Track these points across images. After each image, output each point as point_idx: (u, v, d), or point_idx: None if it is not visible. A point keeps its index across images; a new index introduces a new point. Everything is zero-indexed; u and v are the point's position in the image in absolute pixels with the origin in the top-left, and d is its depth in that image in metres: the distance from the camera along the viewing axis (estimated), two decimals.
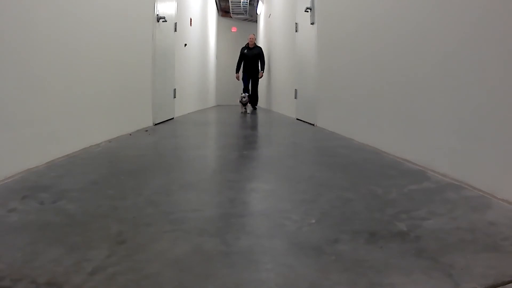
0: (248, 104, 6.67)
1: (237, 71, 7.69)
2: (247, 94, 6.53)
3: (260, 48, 7.75)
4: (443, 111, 1.48)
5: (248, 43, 7.57)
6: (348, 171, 1.58)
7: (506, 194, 1.11)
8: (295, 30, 4.67)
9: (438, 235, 0.86)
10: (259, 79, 7.71)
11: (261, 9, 9.95)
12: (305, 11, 3.93)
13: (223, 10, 11.47)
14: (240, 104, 6.53)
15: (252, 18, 11.62)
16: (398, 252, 0.77)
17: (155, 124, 3.60)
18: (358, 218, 0.99)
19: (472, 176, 1.28)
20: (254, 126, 4.01)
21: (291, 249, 0.79)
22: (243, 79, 7.65)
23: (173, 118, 4.52)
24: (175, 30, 4.49)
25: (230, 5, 10.70)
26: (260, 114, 6.39)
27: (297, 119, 4.61)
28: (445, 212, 1.02)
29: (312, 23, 3.77)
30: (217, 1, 10.49)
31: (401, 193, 1.22)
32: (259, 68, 7.61)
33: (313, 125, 3.72)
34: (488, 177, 1.20)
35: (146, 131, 3.04)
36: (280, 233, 0.88)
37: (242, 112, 6.33)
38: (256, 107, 7.95)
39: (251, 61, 7.53)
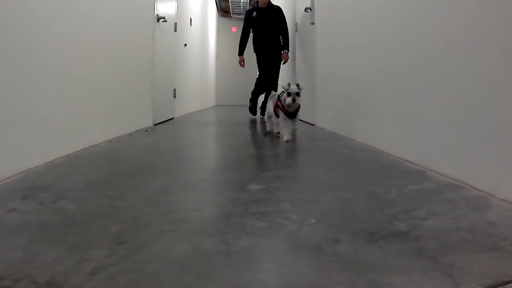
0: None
1: (241, 52, 4.47)
2: (276, 95, 2.73)
3: (279, 8, 4.42)
4: (443, 111, 1.48)
5: (257, 2, 4.37)
6: (348, 171, 1.58)
7: (506, 194, 1.11)
8: (295, 30, 4.68)
9: (438, 235, 0.86)
10: (281, 64, 4.39)
11: None
12: (305, 11, 3.93)
13: (223, 10, 11.47)
14: (263, 117, 3.31)
15: None
16: (398, 252, 0.77)
17: (155, 124, 3.60)
18: (358, 218, 0.99)
19: (472, 176, 1.28)
20: (253, 126, 4.01)
21: (291, 249, 0.79)
22: (258, 63, 4.42)
23: (173, 118, 4.52)
24: (175, 30, 4.49)
25: (230, 5, 10.70)
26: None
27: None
28: (445, 212, 1.02)
29: (312, 23, 3.77)
30: (217, 1, 10.49)
31: (401, 193, 1.22)
32: (281, 43, 4.36)
33: (313, 125, 3.72)
34: (488, 177, 1.20)
35: (146, 131, 3.04)
36: (280, 233, 0.88)
37: (269, 132, 2.95)
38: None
39: (266, 31, 4.26)
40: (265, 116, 3.08)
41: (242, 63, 4.57)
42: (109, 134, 2.39)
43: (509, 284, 0.65)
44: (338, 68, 2.95)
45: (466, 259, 0.74)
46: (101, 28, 2.24)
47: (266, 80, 4.30)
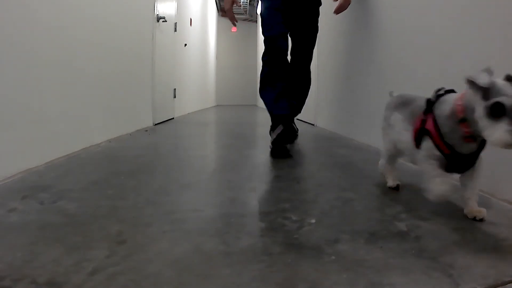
0: None
1: None
2: None
3: None
4: None
5: None
6: (348, 171, 1.58)
7: (506, 194, 1.11)
8: None
9: (438, 235, 0.86)
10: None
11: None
12: None
13: (223, 10, 11.46)
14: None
15: (252, 18, 11.61)
16: (398, 252, 0.77)
17: (155, 124, 3.60)
18: (358, 218, 0.99)
19: None
20: (253, 126, 4.01)
21: (291, 249, 0.79)
22: (267, 18, 2.12)
23: (173, 118, 4.52)
24: (175, 30, 4.49)
25: None
26: (260, 114, 6.36)
27: (296, 119, 4.61)
28: (445, 212, 1.02)
29: None
30: (217, 1, 10.49)
31: (401, 193, 1.22)
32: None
33: (313, 125, 3.73)
34: (488, 177, 1.20)
35: (146, 131, 3.04)
36: (280, 233, 0.88)
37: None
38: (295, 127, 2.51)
39: None
40: (381, 161, 1.30)
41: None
42: (109, 134, 2.39)
43: (509, 284, 0.65)
44: (337, 68, 2.95)
45: (466, 259, 0.74)
46: (101, 28, 2.24)
47: (282, 47, 2.07)
